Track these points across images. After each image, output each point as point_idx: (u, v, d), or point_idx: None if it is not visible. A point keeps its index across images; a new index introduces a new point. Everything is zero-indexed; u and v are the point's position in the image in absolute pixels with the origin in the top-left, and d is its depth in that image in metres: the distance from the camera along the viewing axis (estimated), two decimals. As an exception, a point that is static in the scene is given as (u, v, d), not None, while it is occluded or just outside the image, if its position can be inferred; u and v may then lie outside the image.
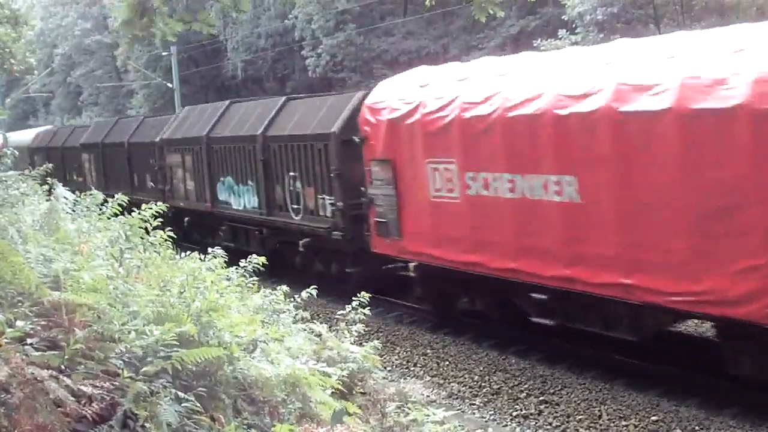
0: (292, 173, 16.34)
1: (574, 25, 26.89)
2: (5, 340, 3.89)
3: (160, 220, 7.16)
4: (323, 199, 15.39)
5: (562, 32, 26.86)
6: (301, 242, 16.12)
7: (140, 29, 7.65)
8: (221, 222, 19.86)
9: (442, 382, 11.48)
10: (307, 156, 15.79)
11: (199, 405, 4.14)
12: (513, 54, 13.80)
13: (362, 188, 14.02)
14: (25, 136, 42.29)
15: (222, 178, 19.33)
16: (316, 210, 15.60)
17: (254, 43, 45.60)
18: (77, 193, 8.34)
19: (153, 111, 43.34)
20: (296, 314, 7.75)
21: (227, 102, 21.19)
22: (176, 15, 7.77)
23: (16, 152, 18.95)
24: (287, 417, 4.87)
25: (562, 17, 27.62)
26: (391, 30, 39.95)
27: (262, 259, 7.96)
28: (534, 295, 10.93)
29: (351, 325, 7.88)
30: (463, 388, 11.13)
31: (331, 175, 14.93)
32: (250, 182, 18.03)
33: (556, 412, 10.00)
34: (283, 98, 18.16)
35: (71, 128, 35.80)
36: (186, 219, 21.19)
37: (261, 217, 17.69)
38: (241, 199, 18.53)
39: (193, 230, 21.41)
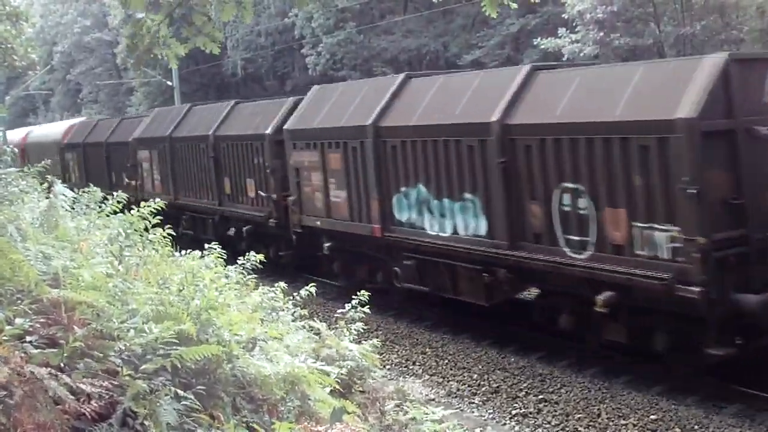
0: (568, 184, 10.34)
1: (574, 24, 26.89)
2: (4, 338, 3.89)
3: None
4: (650, 229, 9.41)
5: (562, 31, 26.86)
6: (601, 298, 9.93)
7: (144, 52, 7.68)
8: (398, 253, 13.59)
9: (441, 380, 11.49)
10: (610, 158, 9.75)
11: (198, 403, 4.14)
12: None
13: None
14: (52, 130, 35.64)
15: (403, 189, 13.04)
16: (629, 247, 9.65)
17: (254, 41, 45.59)
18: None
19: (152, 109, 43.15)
20: (295, 312, 7.74)
21: (401, 76, 14.36)
22: (180, 28, 7.76)
23: (16, 150, 18.82)
24: (286, 415, 4.87)
25: (562, 15, 27.61)
26: (391, 28, 39.92)
27: (260, 257, 7.88)
28: None
29: (350, 323, 7.86)
30: (462, 387, 11.14)
31: (688, 190, 8.90)
32: (468, 195, 11.81)
33: (555, 411, 10.01)
34: (527, 67, 11.95)
35: (117, 119, 29.50)
36: (327, 244, 15.37)
37: (493, 251, 11.47)
38: (445, 220, 12.28)
39: (338, 260, 15.56)
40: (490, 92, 11.75)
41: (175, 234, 7.31)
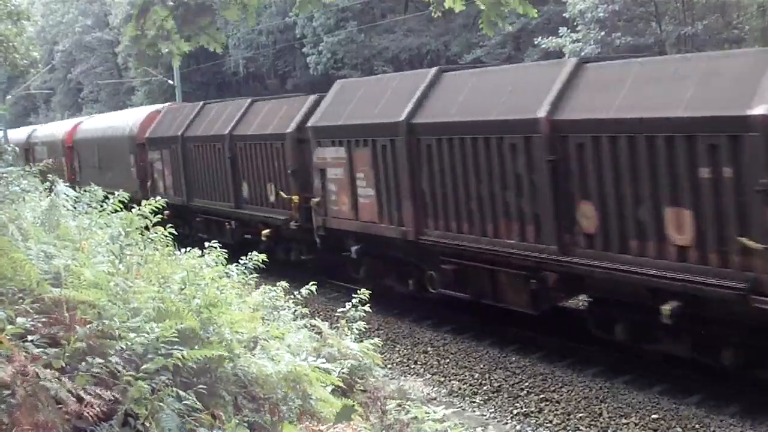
0: None
1: (575, 23, 26.88)
2: (6, 337, 3.89)
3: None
4: None
5: (563, 30, 26.85)
6: None
7: (147, 46, 7.66)
8: None
9: (442, 379, 11.48)
10: None
11: (199, 402, 4.14)
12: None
13: None
14: (120, 120, 25.04)
15: None
16: None
17: (255, 40, 45.61)
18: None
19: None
20: (296, 311, 7.73)
21: None
22: (182, 30, 7.74)
23: (17, 149, 18.77)
24: (288, 414, 4.86)
25: (564, 15, 27.61)
26: (392, 27, 39.93)
27: (263, 257, 7.88)
28: None
29: (351, 322, 7.87)
30: (464, 386, 11.13)
31: None
32: None
33: (557, 410, 10.00)
34: None
35: (245, 101, 18.84)
36: None
37: None
38: None
39: None
40: None
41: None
